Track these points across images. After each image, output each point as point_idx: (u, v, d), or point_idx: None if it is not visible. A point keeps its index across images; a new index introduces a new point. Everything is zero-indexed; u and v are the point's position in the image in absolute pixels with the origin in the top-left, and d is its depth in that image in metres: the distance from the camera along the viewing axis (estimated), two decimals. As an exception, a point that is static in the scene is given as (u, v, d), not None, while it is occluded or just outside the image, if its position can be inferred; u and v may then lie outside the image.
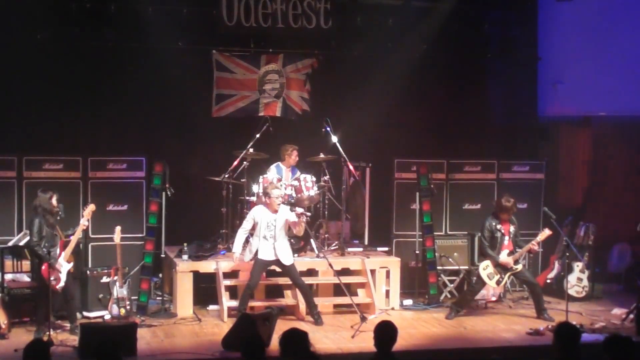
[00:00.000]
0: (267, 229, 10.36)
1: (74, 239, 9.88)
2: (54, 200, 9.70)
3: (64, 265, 9.66)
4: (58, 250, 9.66)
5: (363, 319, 9.97)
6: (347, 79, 13.03)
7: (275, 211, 10.38)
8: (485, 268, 10.82)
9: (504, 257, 10.75)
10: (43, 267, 9.57)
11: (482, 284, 10.95)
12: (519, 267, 10.88)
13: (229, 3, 12.29)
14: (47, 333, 9.21)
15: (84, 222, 9.98)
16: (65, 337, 9.51)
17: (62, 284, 9.59)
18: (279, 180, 11.47)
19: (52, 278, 9.55)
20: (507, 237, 10.84)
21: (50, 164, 11.36)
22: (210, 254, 11.30)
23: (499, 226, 10.83)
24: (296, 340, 6.19)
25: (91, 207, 10.07)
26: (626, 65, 13.80)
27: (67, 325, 9.88)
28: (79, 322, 9.85)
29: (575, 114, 14.42)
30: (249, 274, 10.53)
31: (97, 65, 12.09)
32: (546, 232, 10.89)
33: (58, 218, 9.75)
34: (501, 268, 10.78)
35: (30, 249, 9.83)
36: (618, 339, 6.34)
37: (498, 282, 10.88)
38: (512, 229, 10.89)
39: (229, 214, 11.73)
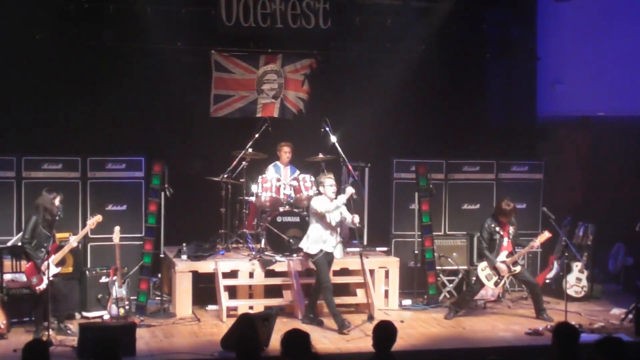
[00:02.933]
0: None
1: (68, 246, 9.89)
2: (56, 202, 9.67)
3: (51, 268, 9.58)
4: (48, 253, 9.58)
5: (370, 317, 10.04)
6: (346, 79, 13.03)
7: (332, 200, 10.23)
8: (484, 269, 10.81)
9: (502, 258, 10.76)
10: (27, 265, 9.61)
11: (481, 284, 10.95)
12: (518, 268, 10.87)
13: (228, 3, 12.27)
14: (46, 333, 9.20)
15: (86, 230, 10.01)
16: (64, 337, 9.49)
17: (43, 286, 9.49)
18: (278, 180, 11.47)
19: (32, 278, 9.54)
20: (506, 239, 10.84)
21: (49, 164, 11.34)
22: (209, 254, 11.28)
23: (497, 228, 10.83)
24: (297, 341, 6.18)
25: (97, 219, 10.08)
26: (625, 66, 13.82)
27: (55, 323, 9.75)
28: (78, 322, 9.84)
29: (574, 114, 14.44)
30: (318, 275, 10.27)
31: (96, 66, 12.08)
32: (545, 235, 10.87)
33: (57, 218, 9.73)
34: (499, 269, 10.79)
35: (21, 246, 9.81)
36: (610, 341, 6.35)
37: (496, 284, 10.87)
38: (511, 230, 10.88)
39: (228, 214, 11.72)
